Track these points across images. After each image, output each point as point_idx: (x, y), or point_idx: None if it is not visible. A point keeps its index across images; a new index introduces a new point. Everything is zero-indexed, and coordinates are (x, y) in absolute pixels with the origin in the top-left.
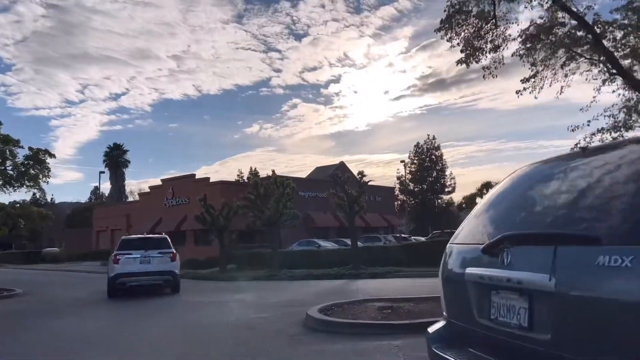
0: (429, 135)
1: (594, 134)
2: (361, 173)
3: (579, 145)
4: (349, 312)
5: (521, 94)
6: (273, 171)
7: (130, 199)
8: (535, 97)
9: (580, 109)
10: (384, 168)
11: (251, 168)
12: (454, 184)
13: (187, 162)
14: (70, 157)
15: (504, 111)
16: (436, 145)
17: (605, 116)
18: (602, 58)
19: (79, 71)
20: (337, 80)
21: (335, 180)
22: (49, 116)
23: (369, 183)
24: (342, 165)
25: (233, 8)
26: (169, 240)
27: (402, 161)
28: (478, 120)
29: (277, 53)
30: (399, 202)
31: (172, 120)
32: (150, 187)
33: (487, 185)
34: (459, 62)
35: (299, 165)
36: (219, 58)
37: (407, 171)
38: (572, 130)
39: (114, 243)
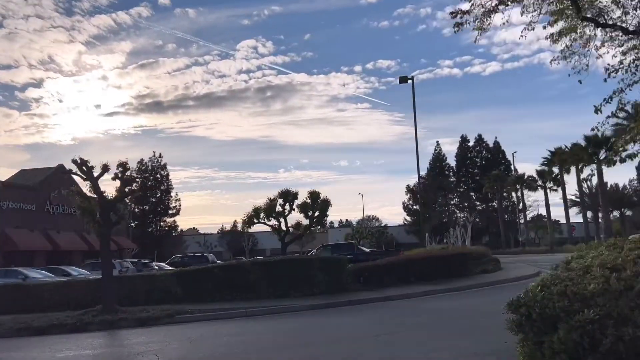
0: (154, 152)
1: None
2: (123, 165)
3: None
4: None
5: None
6: None
7: None
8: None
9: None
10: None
11: None
12: (179, 206)
13: None
14: None
15: (218, 141)
16: (162, 164)
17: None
18: None
19: None
20: (37, 84)
21: (83, 169)
22: None
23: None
24: (61, 168)
25: None
26: None
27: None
28: (193, 147)
29: None
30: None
31: None
32: None
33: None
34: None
35: None
36: None
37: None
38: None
39: None
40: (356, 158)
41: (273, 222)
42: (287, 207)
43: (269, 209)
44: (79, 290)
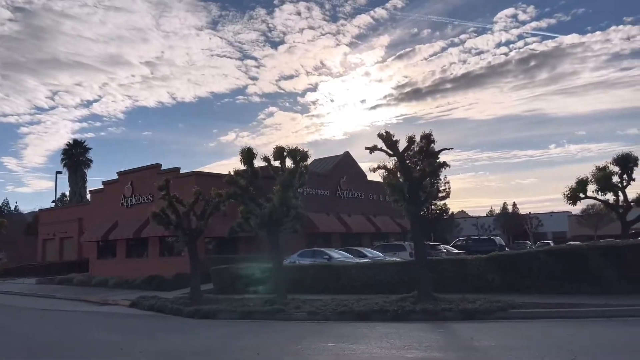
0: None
1: None
2: (427, 137)
3: None
4: None
5: None
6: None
7: None
8: None
9: None
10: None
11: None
12: (449, 188)
13: None
14: (40, 165)
15: (478, 121)
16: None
17: None
18: None
19: (48, 77)
20: (313, 88)
21: (389, 144)
22: (17, 123)
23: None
24: (347, 155)
25: (207, 14)
26: None
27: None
28: (453, 130)
29: (253, 61)
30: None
31: (146, 128)
32: (104, 183)
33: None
34: None
35: None
36: (194, 65)
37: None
38: None
39: (62, 254)
40: None
41: (609, 196)
42: (626, 176)
43: (603, 180)
44: (384, 273)
